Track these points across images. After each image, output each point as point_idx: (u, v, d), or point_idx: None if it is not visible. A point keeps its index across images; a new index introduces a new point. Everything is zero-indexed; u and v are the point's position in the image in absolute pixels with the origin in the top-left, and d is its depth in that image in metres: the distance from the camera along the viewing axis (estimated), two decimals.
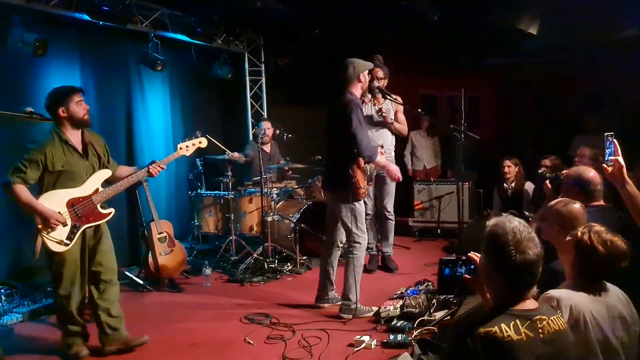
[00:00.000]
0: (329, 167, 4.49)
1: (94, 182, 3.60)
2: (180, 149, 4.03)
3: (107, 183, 3.68)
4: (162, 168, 3.85)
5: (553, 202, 2.85)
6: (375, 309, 4.33)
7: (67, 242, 3.47)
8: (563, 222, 2.60)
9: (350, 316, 4.27)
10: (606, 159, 2.61)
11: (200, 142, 4.12)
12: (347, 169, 4.14)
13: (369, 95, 5.25)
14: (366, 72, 4.30)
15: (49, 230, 3.39)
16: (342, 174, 4.16)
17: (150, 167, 3.79)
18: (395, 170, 4.56)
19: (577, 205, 2.75)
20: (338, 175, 4.22)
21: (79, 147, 3.56)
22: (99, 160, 3.68)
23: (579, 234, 2.26)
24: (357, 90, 4.28)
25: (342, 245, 4.56)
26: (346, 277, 4.35)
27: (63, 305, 3.61)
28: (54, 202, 3.42)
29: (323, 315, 4.41)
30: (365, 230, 4.44)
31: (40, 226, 3.37)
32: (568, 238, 2.31)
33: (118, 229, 5.94)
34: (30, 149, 3.36)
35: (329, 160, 4.47)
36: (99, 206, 3.59)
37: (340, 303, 4.41)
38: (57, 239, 3.43)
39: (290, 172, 6.82)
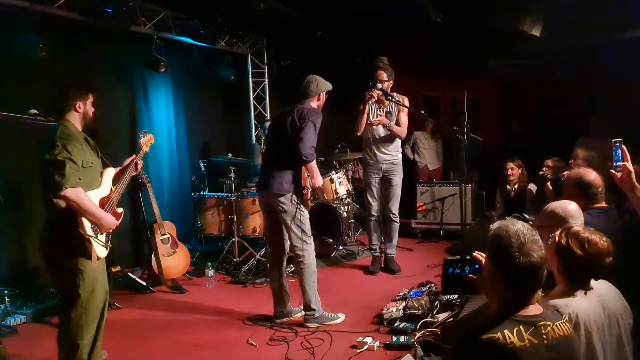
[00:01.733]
0: (271, 170, 4.22)
1: (108, 180, 3.46)
2: (145, 145, 3.96)
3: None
4: (140, 164, 3.76)
5: (548, 205, 2.85)
6: (341, 315, 4.29)
7: (107, 244, 3.29)
8: (558, 225, 2.58)
9: (317, 325, 4.20)
10: (614, 164, 2.60)
11: (151, 139, 4.03)
12: (293, 172, 4.13)
13: (374, 97, 5.24)
14: (324, 93, 4.29)
15: (99, 234, 3.20)
16: (288, 176, 4.11)
17: (136, 162, 3.69)
18: (320, 179, 4.44)
19: (572, 206, 2.75)
20: (283, 178, 4.11)
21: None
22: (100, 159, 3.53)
23: (557, 237, 2.25)
24: (314, 106, 4.24)
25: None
26: (303, 288, 4.23)
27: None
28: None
29: None
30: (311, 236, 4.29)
31: (91, 232, 3.14)
32: (549, 242, 2.29)
33: (121, 230, 5.95)
34: (68, 142, 3.08)
35: (273, 164, 4.24)
36: (115, 206, 3.45)
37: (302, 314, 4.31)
38: (103, 242, 3.24)
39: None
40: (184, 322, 4.48)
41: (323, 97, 4.32)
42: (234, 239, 6.11)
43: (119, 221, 3.41)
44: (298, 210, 4.13)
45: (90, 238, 3.13)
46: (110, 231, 3.32)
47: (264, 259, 5.81)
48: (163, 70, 6.13)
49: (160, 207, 5.54)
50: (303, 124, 4.02)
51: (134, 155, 3.73)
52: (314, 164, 4.21)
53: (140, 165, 3.73)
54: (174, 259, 5.42)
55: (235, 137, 7.89)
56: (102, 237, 3.24)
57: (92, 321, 3.23)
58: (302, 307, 4.31)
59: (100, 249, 3.21)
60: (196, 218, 6.55)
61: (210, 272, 5.49)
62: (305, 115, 4.07)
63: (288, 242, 4.32)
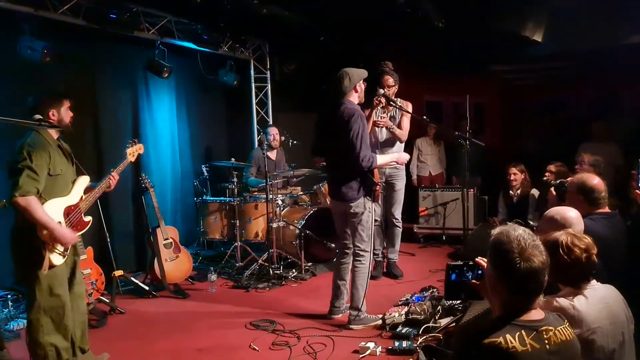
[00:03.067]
0: (338, 175, 4.34)
1: (79, 189, 3.44)
2: (131, 154, 3.94)
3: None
4: (116, 178, 3.69)
5: (547, 211, 2.85)
6: (380, 316, 4.32)
7: (66, 252, 3.28)
8: (557, 230, 2.58)
9: (360, 327, 4.26)
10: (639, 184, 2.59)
11: (140, 149, 4.03)
12: (357, 177, 4.20)
13: (382, 102, 5.25)
14: (361, 81, 4.31)
15: (55, 245, 3.18)
16: (354, 181, 4.20)
17: (110, 178, 3.64)
18: (402, 157, 4.65)
19: (571, 212, 2.75)
20: (352, 185, 4.20)
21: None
22: (75, 167, 3.54)
23: None
24: (354, 99, 4.29)
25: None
26: (355, 287, 4.31)
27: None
28: (55, 211, 3.23)
29: (328, 322, 4.41)
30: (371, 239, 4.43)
31: (47, 241, 3.14)
32: None
33: (124, 235, 5.99)
34: (33, 151, 3.10)
35: (338, 169, 4.35)
36: (83, 214, 3.43)
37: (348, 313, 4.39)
38: (59, 251, 3.22)
39: (294, 178, 6.82)
40: (187, 327, 4.48)
41: (361, 86, 4.31)
42: (236, 244, 6.12)
43: (85, 230, 3.45)
44: (367, 214, 4.26)
45: (48, 245, 3.14)
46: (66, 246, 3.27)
47: (266, 264, 5.81)
48: (166, 75, 6.15)
49: (163, 211, 5.56)
50: (352, 135, 4.05)
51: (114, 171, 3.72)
52: (380, 161, 4.33)
53: (115, 180, 3.67)
54: (176, 264, 5.42)
55: (238, 142, 7.90)
56: (60, 246, 3.22)
57: (52, 322, 3.26)
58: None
59: (55, 257, 3.21)
60: (199, 222, 6.56)
61: (213, 277, 5.50)
62: (351, 122, 4.07)
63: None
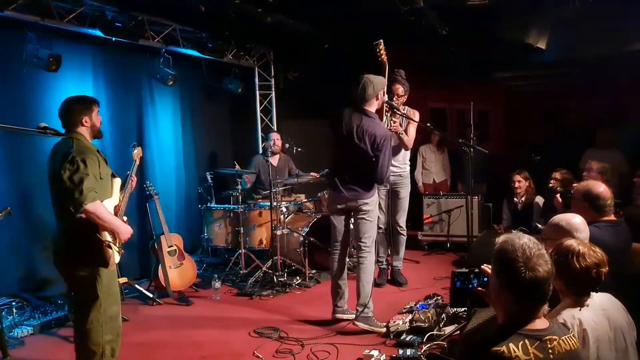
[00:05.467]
0: (353, 178, 4.45)
1: (117, 190, 3.53)
2: (137, 157, 4.04)
3: None
4: (135, 180, 3.80)
5: (553, 218, 2.84)
6: (384, 324, 4.31)
7: (122, 251, 3.43)
8: (563, 238, 2.57)
9: (366, 327, 4.27)
10: None
11: (140, 151, 4.10)
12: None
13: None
14: (382, 90, 4.41)
15: (115, 242, 3.34)
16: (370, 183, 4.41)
17: (131, 180, 3.74)
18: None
19: (577, 219, 2.74)
20: (366, 185, 4.40)
21: None
22: None
23: (552, 254, 2.26)
24: (373, 108, 4.39)
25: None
26: (363, 284, 4.38)
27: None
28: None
29: (332, 330, 4.40)
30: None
31: (109, 238, 3.28)
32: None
33: (128, 242, 5.97)
34: (85, 158, 3.17)
35: (354, 169, 4.43)
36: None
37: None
38: (117, 248, 3.37)
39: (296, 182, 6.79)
40: (191, 334, 4.48)
41: (381, 96, 4.42)
42: (240, 251, 6.12)
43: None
44: (377, 210, 4.51)
45: (110, 243, 3.27)
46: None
47: (270, 271, 5.81)
48: (171, 83, 6.18)
49: (167, 218, 5.56)
50: (379, 150, 4.24)
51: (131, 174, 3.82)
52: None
53: (134, 180, 3.78)
54: (180, 271, 5.43)
55: (242, 149, 7.92)
56: (118, 243, 3.37)
57: (110, 320, 3.34)
58: (349, 310, 4.51)
59: (116, 255, 3.34)
60: (203, 230, 6.57)
61: (217, 284, 5.49)
62: (381, 141, 4.23)
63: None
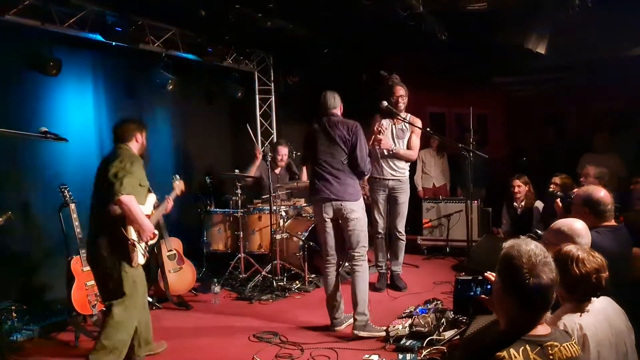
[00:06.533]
0: (336, 180, 4.41)
1: (150, 203, 3.95)
2: (178, 189, 4.76)
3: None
4: (171, 204, 4.46)
5: (555, 222, 2.84)
6: (383, 328, 4.30)
7: (147, 255, 3.76)
8: (564, 243, 2.56)
9: (367, 334, 4.26)
10: None
11: (182, 184, 4.83)
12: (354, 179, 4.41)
13: (382, 131, 5.32)
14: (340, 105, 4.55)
15: (140, 242, 3.66)
16: (353, 182, 4.40)
17: (167, 202, 4.40)
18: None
19: (578, 224, 2.74)
20: (350, 186, 4.38)
21: None
22: None
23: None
24: (340, 114, 4.51)
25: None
26: (358, 293, 4.35)
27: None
28: None
29: (332, 334, 4.40)
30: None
31: (135, 237, 3.62)
32: None
33: None
34: (134, 162, 3.63)
35: (336, 171, 4.40)
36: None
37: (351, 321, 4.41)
38: (142, 251, 3.68)
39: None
40: (190, 339, 4.47)
41: (341, 108, 4.56)
42: (240, 255, 6.11)
43: (153, 241, 3.92)
44: (364, 215, 4.45)
45: (135, 242, 3.60)
46: (149, 242, 3.80)
47: (269, 275, 5.81)
48: (171, 87, 6.19)
49: (167, 222, 5.55)
50: (355, 140, 4.30)
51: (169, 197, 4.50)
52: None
53: (171, 205, 4.44)
54: (180, 275, 5.42)
55: (242, 154, 7.91)
56: (143, 245, 3.70)
57: (135, 314, 3.74)
58: (348, 314, 4.49)
59: (140, 256, 3.67)
60: (202, 234, 6.56)
61: (216, 289, 5.49)
62: (354, 130, 4.32)
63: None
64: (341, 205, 4.35)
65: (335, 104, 4.47)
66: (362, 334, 4.27)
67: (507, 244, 1.91)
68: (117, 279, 3.62)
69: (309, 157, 4.56)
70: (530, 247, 1.84)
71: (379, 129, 5.31)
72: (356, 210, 4.36)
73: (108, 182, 3.49)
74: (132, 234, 3.62)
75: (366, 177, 4.66)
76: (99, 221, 3.68)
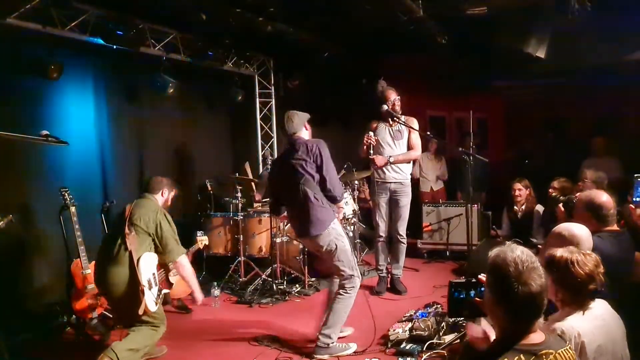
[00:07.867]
0: (298, 211, 4.06)
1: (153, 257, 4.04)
2: (200, 242, 5.23)
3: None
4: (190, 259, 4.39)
5: (556, 227, 2.83)
6: (353, 345, 4.11)
7: (158, 301, 3.83)
8: (565, 247, 2.57)
9: (327, 356, 4.00)
10: (634, 199, 2.58)
11: (205, 239, 5.34)
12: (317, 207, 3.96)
13: (373, 143, 5.32)
14: (306, 121, 4.19)
15: (152, 288, 3.77)
16: (315, 212, 3.96)
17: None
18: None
19: (579, 229, 2.73)
20: (314, 216, 3.96)
21: None
22: None
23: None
24: (306, 136, 4.19)
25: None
26: (332, 314, 4.04)
27: None
28: (152, 262, 3.86)
29: None
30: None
31: (145, 283, 3.68)
32: None
33: None
34: (169, 218, 3.95)
35: (296, 204, 4.05)
36: (169, 275, 4.11)
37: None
38: (154, 297, 3.78)
39: None
40: (190, 342, 4.46)
41: (308, 126, 4.23)
42: (240, 259, 6.11)
43: (168, 290, 4.21)
44: (340, 240, 4.01)
45: (144, 289, 3.63)
46: (162, 291, 3.96)
47: (269, 279, 5.80)
48: (171, 91, 6.18)
49: None
50: (320, 162, 3.92)
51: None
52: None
53: (190, 256, 4.54)
54: (180, 279, 5.39)
55: (242, 157, 7.91)
56: (155, 290, 3.79)
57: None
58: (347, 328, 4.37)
59: (150, 302, 3.70)
60: None
61: (216, 292, 5.48)
62: (315, 149, 3.94)
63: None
64: (310, 241, 4.09)
65: (295, 128, 4.08)
66: (319, 357, 3.99)
67: (492, 253, 1.87)
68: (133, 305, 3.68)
69: (274, 195, 4.40)
70: (516, 254, 1.81)
71: (368, 141, 5.28)
72: (326, 242, 3.97)
73: (165, 235, 3.82)
74: (143, 280, 3.65)
75: (340, 203, 4.19)
76: (118, 265, 3.72)
